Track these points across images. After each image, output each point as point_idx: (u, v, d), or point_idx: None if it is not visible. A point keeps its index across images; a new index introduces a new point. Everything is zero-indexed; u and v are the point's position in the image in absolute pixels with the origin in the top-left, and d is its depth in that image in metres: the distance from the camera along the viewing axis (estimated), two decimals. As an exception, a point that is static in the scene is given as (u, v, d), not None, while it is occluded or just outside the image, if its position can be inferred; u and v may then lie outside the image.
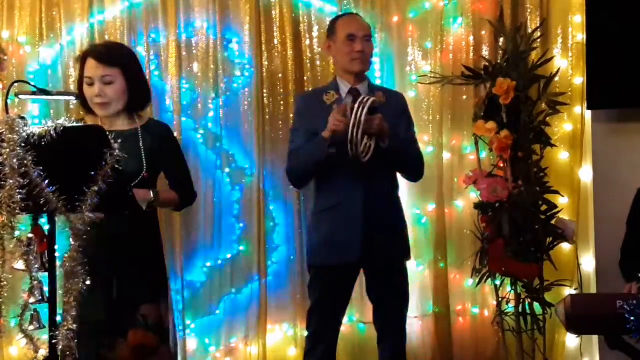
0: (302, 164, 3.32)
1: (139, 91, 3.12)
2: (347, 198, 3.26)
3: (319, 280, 3.38)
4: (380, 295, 3.41)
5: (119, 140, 3.01)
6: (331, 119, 3.15)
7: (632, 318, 2.62)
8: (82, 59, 3.12)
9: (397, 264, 3.40)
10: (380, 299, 3.42)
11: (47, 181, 2.29)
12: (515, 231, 3.78)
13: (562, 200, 4.05)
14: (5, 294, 2.37)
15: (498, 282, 3.94)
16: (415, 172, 3.47)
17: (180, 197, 3.23)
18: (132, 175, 2.99)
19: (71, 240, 2.44)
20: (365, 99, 3.10)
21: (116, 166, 2.37)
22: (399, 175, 3.48)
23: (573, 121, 4.19)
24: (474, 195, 4.07)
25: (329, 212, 3.32)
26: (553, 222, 3.86)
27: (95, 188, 2.33)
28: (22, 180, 2.27)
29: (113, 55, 3.09)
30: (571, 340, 4.12)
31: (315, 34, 4.28)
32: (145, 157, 3.07)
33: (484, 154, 4.02)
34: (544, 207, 3.87)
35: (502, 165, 3.89)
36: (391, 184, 3.41)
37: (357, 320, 4.24)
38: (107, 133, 2.47)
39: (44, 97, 2.95)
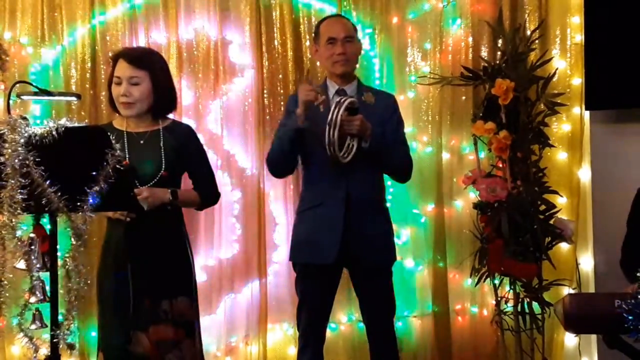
0: (276, 146, 3.32)
1: (164, 96, 3.16)
2: (329, 198, 3.26)
3: (303, 279, 3.40)
4: (366, 297, 3.42)
5: (141, 141, 3.07)
6: (300, 92, 3.15)
7: (630, 317, 2.63)
8: (114, 60, 3.18)
9: (380, 266, 3.39)
10: (365, 301, 3.43)
11: (48, 181, 2.31)
12: (514, 231, 3.78)
13: (560, 200, 4.07)
14: (7, 294, 2.38)
15: (497, 282, 3.94)
16: (400, 173, 3.45)
17: (201, 197, 3.27)
18: (151, 175, 3.07)
19: (72, 239, 2.45)
20: (343, 100, 3.09)
21: (117, 166, 2.38)
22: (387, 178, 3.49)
23: (572, 121, 4.20)
24: (473, 195, 4.08)
25: (310, 212, 3.33)
26: (552, 221, 3.87)
27: (97, 188, 2.35)
28: (23, 180, 2.28)
29: (143, 58, 3.16)
30: (570, 340, 4.14)
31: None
32: (164, 157, 3.11)
33: (482, 154, 4.03)
34: (542, 207, 3.87)
35: (501, 165, 3.90)
36: (376, 186, 3.40)
37: (356, 319, 4.26)
38: (109, 133, 2.49)
39: (46, 97, 2.97)
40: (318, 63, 4.27)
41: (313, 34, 3.53)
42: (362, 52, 3.69)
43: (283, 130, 3.28)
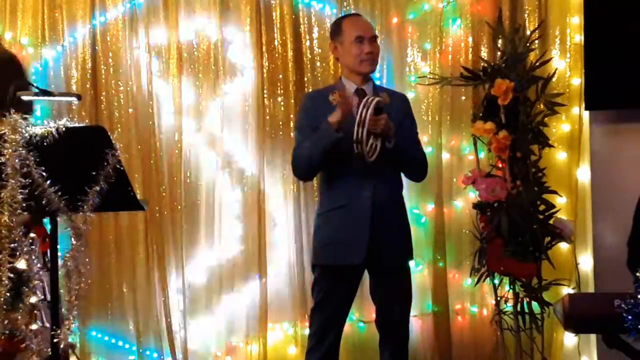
0: (307, 153, 3.25)
1: None
2: (355, 199, 3.24)
3: (324, 280, 3.35)
4: (385, 296, 3.39)
5: None
6: (340, 104, 3.12)
7: (629, 317, 2.64)
8: None
9: (401, 264, 3.40)
10: (384, 300, 3.40)
11: (49, 181, 2.32)
12: (514, 231, 3.79)
13: (560, 200, 4.07)
14: (6, 294, 2.38)
15: (497, 282, 3.95)
16: (419, 172, 3.46)
17: None
18: None
19: (72, 239, 2.46)
20: (370, 99, 3.09)
21: (117, 166, 2.39)
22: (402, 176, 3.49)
23: (571, 122, 4.21)
24: (472, 195, 4.09)
25: (336, 212, 3.29)
26: (551, 221, 3.88)
27: (97, 188, 2.36)
28: (24, 181, 2.29)
29: None
30: (569, 339, 4.14)
31: (315, 35, 4.31)
32: None
33: (482, 154, 4.04)
34: (542, 207, 3.88)
35: (500, 165, 3.91)
36: (397, 184, 3.40)
37: (357, 319, 4.26)
38: (109, 133, 2.49)
39: (46, 97, 2.96)
40: (317, 63, 4.29)
41: (331, 31, 3.47)
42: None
43: (317, 138, 3.20)
